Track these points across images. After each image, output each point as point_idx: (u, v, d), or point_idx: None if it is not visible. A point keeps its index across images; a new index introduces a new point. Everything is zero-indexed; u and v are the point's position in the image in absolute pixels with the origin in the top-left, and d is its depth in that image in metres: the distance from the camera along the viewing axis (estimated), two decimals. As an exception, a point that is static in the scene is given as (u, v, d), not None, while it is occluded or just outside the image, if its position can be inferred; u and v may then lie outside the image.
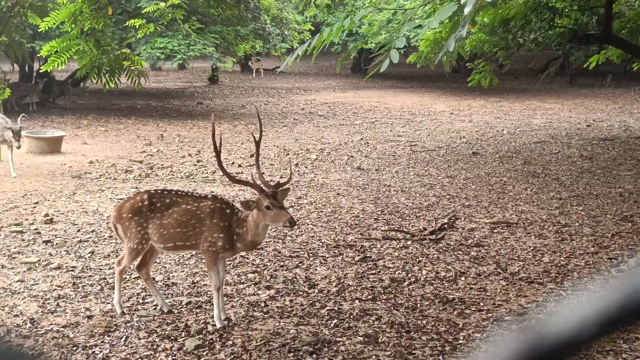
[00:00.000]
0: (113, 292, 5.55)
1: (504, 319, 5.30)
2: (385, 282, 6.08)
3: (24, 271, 6.31)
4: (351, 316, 5.35)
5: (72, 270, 6.35)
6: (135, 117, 18.63)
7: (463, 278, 6.28)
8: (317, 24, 29.64)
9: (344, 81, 31.12)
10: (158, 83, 28.85)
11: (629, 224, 8.14)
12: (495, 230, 7.90)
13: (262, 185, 5.01)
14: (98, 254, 6.89)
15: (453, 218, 8.26)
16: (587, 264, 6.70)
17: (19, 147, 10.40)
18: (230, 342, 4.85)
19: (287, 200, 8.75)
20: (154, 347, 4.78)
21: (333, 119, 19.28)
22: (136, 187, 9.85)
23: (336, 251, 7.10)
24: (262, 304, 5.59)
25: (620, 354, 4.61)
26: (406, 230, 7.87)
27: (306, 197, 9.53)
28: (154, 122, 17.98)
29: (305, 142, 14.86)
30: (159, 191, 5.29)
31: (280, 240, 7.43)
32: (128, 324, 5.16)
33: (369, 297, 5.78)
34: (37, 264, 6.50)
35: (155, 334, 4.98)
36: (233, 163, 12.06)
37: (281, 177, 10.51)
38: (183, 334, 4.98)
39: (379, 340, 4.91)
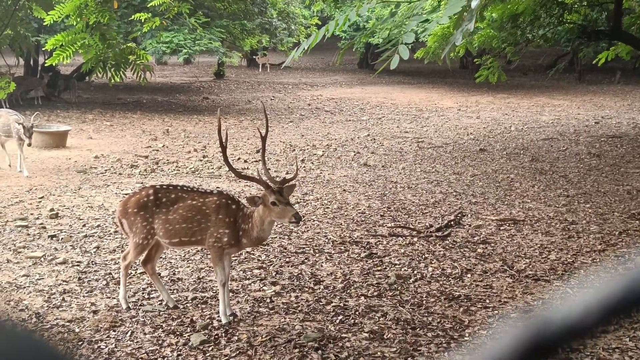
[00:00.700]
0: (118, 287, 5.59)
1: (510, 316, 5.32)
2: (391, 279, 6.10)
3: (30, 266, 6.36)
4: (357, 312, 5.37)
5: (78, 265, 6.39)
6: (141, 112, 18.68)
7: (469, 275, 6.29)
8: (324, 19, 29.61)
9: (350, 77, 31.10)
10: (164, 78, 28.90)
11: (637, 221, 8.14)
12: (502, 228, 7.91)
13: (268, 181, 5.03)
14: (103, 249, 6.93)
15: (460, 215, 8.27)
16: (593, 261, 6.71)
17: (29, 145, 10.33)
18: (236, 338, 4.88)
19: (293, 196, 8.77)
20: (160, 342, 4.82)
21: (339, 114, 19.28)
22: (141, 182, 9.89)
23: (342, 247, 7.12)
24: (268, 300, 5.62)
25: (626, 351, 4.62)
26: (412, 227, 7.88)
27: (312, 193, 9.56)
28: (160, 117, 18.03)
29: (311, 138, 14.87)
30: (164, 186, 5.31)
31: (286, 237, 7.46)
32: (133, 319, 5.20)
33: (375, 293, 5.81)
34: (42, 259, 6.54)
35: (160, 329, 5.02)
36: (239, 159, 12.09)
37: (287, 173, 10.53)
38: (188, 330, 5.02)
39: (385, 336, 4.93)
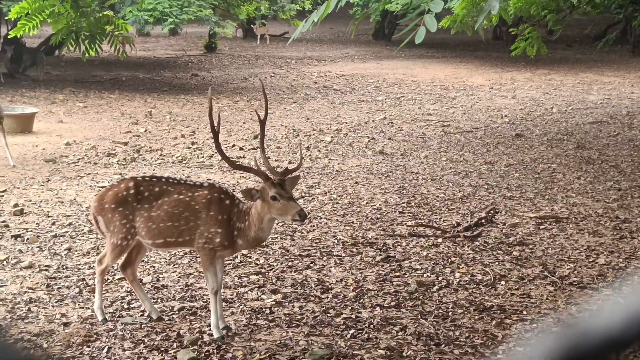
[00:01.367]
0: (93, 296, 5.60)
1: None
2: (412, 287, 6.10)
3: (-10, 270, 6.38)
4: (371, 326, 5.37)
5: (46, 270, 6.41)
6: (120, 91, 18.71)
7: (503, 282, 6.28)
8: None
9: (364, 49, 31.05)
10: (146, 51, 28.92)
11: (701, 219, 8.11)
12: (541, 227, 7.89)
13: (267, 172, 5.02)
14: (76, 251, 6.94)
15: (492, 212, 8.26)
16: (650, 266, 6.69)
17: None
18: (230, 355, 4.89)
19: (297, 189, 8.78)
20: (141, 359, 4.82)
21: (351, 94, 19.26)
22: (120, 174, 9.91)
23: (354, 250, 7.12)
24: (267, 311, 5.63)
25: None
26: (436, 225, 7.87)
27: (319, 186, 9.55)
28: (141, 97, 18.05)
29: (318, 122, 14.86)
30: (147, 178, 5.31)
31: (289, 237, 7.46)
32: (111, 333, 5.21)
33: (392, 303, 5.80)
34: (4, 262, 6.56)
35: (142, 345, 5.03)
36: (234, 146, 12.09)
37: (290, 163, 10.53)
38: (175, 345, 5.03)
39: (404, 354, 4.93)
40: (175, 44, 32.59)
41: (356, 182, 9.79)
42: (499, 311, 5.67)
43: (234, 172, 9.91)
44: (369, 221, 8.06)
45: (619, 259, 6.86)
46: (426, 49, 30.34)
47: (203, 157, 11.29)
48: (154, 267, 6.55)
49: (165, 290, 6.05)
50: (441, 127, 14.24)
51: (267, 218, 4.97)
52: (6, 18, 14.62)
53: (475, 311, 5.67)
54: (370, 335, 5.21)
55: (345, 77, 22.36)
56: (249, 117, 15.07)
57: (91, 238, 7.26)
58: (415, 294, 5.98)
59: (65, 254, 6.84)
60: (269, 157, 6.20)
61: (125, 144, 12.19)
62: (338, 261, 6.80)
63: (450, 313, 5.63)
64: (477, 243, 7.33)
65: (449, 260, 6.84)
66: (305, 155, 11.38)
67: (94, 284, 5.60)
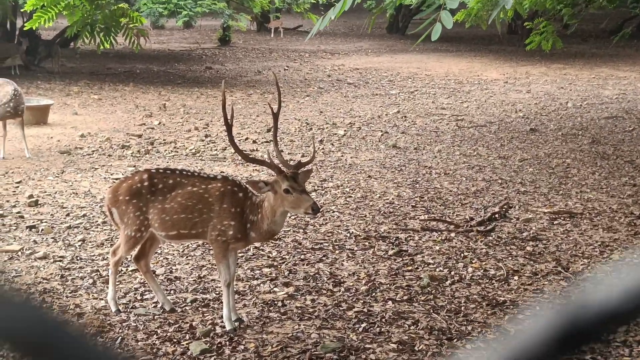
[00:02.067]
0: (107, 287, 5.63)
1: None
2: (424, 281, 6.09)
3: (5, 261, 6.42)
4: (383, 319, 5.37)
5: (60, 261, 6.45)
6: (134, 84, 18.75)
7: (516, 277, 6.26)
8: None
9: (378, 43, 30.98)
10: (160, 44, 28.97)
11: None
12: (555, 222, 7.86)
13: (280, 165, 5.02)
14: (90, 242, 6.98)
15: (506, 206, 8.23)
16: (664, 262, 6.65)
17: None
18: (242, 347, 4.90)
19: (310, 182, 8.78)
20: (154, 350, 4.84)
21: (365, 87, 19.23)
22: (134, 166, 9.94)
23: (366, 243, 7.12)
24: (279, 304, 5.64)
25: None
26: (449, 220, 7.85)
27: (332, 180, 9.55)
28: (155, 90, 18.09)
29: (331, 115, 14.85)
30: (160, 170, 5.33)
31: (301, 230, 7.46)
32: (124, 324, 5.23)
33: (405, 297, 5.80)
34: (19, 253, 6.60)
35: (155, 336, 5.05)
36: (247, 139, 12.10)
37: (303, 156, 10.53)
38: (187, 337, 5.04)
39: (416, 348, 4.93)
40: (190, 37, 32.62)
41: (369, 176, 9.78)
42: (511, 306, 5.66)
43: (247, 165, 9.92)
44: (381, 215, 8.05)
45: (633, 255, 6.83)
46: (440, 42, 30.19)
47: (216, 149, 11.30)
48: (167, 259, 6.58)
49: (178, 282, 6.07)
50: (455, 121, 14.20)
51: (280, 211, 4.97)
52: (22, 10, 14.67)
53: (487, 306, 5.66)
54: (382, 329, 5.21)
55: (358, 71, 22.33)
56: (263, 110, 15.08)
57: (105, 229, 7.30)
58: (428, 288, 5.97)
59: (79, 245, 6.87)
60: (282, 151, 6.20)
61: (140, 136, 12.22)
62: (350, 255, 6.80)
63: (462, 308, 5.62)
64: (490, 238, 7.31)
65: (462, 254, 6.83)
66: (318, 148, 11.37)
67: (108, 275, 5.63)
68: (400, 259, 6.69)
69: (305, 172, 5.05)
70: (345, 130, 13.04)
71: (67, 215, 7.78)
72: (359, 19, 37.84)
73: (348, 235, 7.36)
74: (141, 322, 5.26)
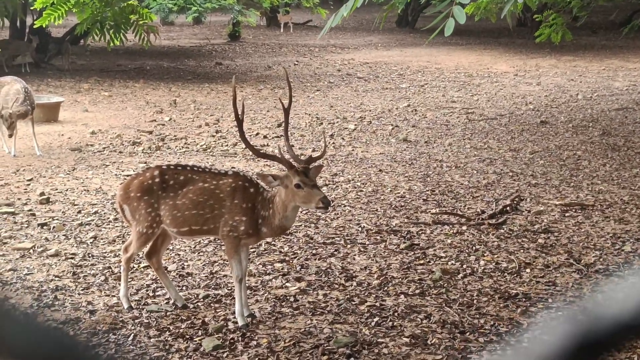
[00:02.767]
0: (119, 284, 5.63)
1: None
2: (436, 274, 6.07)
3: (17, 259, 6.43)
4: (395, 314, 5.36)
5: (72, 258, 6.45)
6: (144, 80, 18.77)
7: (528, 270, 6.24)
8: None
9: (387, 37, 30.90)
10: (170, 40, 28.99)
11: None
12: (567, 214, 7.82)
13: (291, 160, 5.01)
14: (101, 239, 6.98)
15: (517, 199, 8.20)
16: (677, 254, 6.61)
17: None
18: (255, 343, 4.89)
19: (321, 177, 8.75)
20: (166, 347, 4.84)
21: (375, 81, 19.19)
22: (145, 162, 9.95)
23: (378, 237, 7.10)
24: (292, 299, 5.63)
25: None
26: (461, 213, 7.83)
27: (343, 174, 9.53)
28: (166, 86, 18.10)
29: (341, 110, 14.83)
30: (171, 167, 5.32)
31: (313, 225, 7.45)
32: (136, 321, 5.23)
33: (417, 291, 5.78)
34: (31, 251, 6.61)
35: (167, 332, 5.05)
36: (257, 134, 12.09)
37: (314, 151, 10.51)
38: (200, 333, 5.04)
39: (428, 341, 4.91)
40: (199, 33, 32.62)
41: (380, 170, 9.76)
42: (524, 299, 5.63)
43: (258, 161, 9.90)
44: (393, 209, 8.03)
45: (645, 247, 6.79)
46: (450, 36, 30.09)
47: (227, 145, 11.30)
48: (179, 255, 6.57)
49: (190, 278, 6.07)
50: (465, 114, 14.15)
51: (291, 206, 4.96)
52: (32, 8, 14.69)
53: (500, 299, 5.63)
54: (395, 323, 5.19)
55: (368, 65, 22.28)
56: (273, 106, 15.06)
57: (117, 226, 7.30)
58: (440, 282, 5.95)
59: (91, 242, 6.88)
60: (292, 145, 6.18)
61: (150, 132, 12.23)
62: (362, 249, 6.78)
63: (475, 301, 5.59)
64: (502, 231, 7.29)
65: (474, 248, 6.80)
66: (329, 143, 11.35)
67: (120, 272, 5.62)
68: (412, 252, 6.68)
69: (316, 167, 5.04)
70: (355, 125, 13.02)
71: (79, 212, 7.79)
72: (368, 13, 37.73)
73: (359, 229, 7.34)
74: (153, 319, 5.26)
